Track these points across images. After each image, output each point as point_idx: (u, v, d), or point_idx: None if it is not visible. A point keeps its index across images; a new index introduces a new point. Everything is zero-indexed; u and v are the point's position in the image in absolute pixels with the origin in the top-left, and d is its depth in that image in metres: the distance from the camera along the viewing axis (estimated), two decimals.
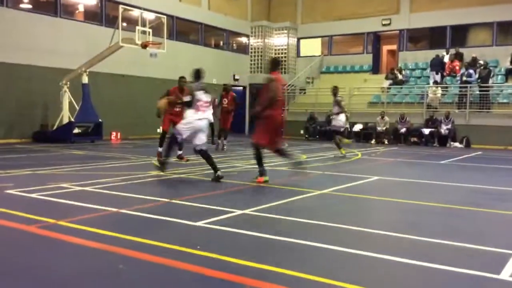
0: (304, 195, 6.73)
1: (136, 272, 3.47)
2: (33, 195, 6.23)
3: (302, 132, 21.52)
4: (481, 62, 19.62)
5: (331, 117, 13.28)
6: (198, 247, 4.00)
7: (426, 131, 18.35)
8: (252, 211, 5.55)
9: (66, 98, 15.45)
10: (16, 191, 6.45)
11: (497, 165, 11.79)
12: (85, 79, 15.40)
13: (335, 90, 12.75)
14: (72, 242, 4.18)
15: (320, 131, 20.90)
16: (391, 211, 6.17)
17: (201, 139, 7.83)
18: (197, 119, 7.80)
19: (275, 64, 8.04)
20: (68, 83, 15.39)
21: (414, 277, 3.52)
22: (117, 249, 3.95)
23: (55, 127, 15.52)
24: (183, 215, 5.24)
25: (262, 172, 7.90)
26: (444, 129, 18.01)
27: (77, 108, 15.48)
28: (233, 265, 3.59)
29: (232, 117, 14.64)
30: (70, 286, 3.20)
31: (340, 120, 12.92)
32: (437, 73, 20.66)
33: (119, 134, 17.28)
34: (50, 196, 6.20)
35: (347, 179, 8.52)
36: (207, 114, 8.05)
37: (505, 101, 18.54)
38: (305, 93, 24.31)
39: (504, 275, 3.48)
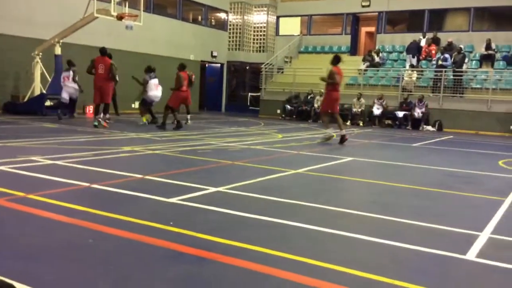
0: (279, 174, 6.75)
1: (107, 247, 3.44)
2: (2, 168, 6.08)
3: (278, 111, 21.51)
4: (458, 46, 19.86)
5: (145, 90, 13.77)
6: (171, 223, 3.98)
7: (400, 114, 18.59)
8: (226, 188, 5.54)
9: (38, 69, 15.02)
10: None
11: (467, 149, 12.06)
12: (58, 50, 14.97)
13: (148, 69, 13.88)
14: (41, 215, 4.11)
15: (297, 111, 20.94)
16: (364, 192, 6.26)
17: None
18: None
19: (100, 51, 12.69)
20: (41, 54, 14.95)
21: (383, 256, 3.59)
22: (87, 224, 3.90)
23: (26, 99, 15.11)
24: (156, 191, 5.20)
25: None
26: (417, 112, 18.26)
27: (49, 80, 15.09)
28: (205, 241, 3.60)
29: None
30: (38, 259, 3.15)
31: (155, 95, 13.77)
32: (413, 57, 20.85)
33: (92, 108, 16.92)
34: (20, 169, 6.06)
35: (322, 159, 8.58)
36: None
37: (478, 86, 18.87)
38: (283, 72, 24.22)
39: (470, 255, 3.58)
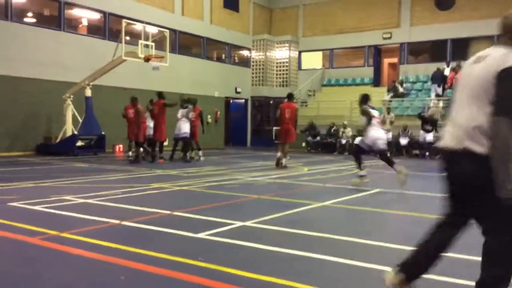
0: (305, 207, 6.76)
1: (138, 283, 3.51)
2: (36, 207, 6.29)
3: (304, 144, 21.55)
4: None
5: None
6: (200, 258, 4.04)
7: (427, 136, 17.83)
8: (253, 223, 5.58)
9: (70, 111, 15.57)
10: (19, 204, 6.51)
11: None
12: (88, 92, 15.54)
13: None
14: (74, 253, 4.23)
15: (322, 143, 20.95)
16: (392, 223, 6.20)
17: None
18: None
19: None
20: (72, 96, 15.52)
21: None
22: (119, 261, 3.99)
23: (58, 140, 15.62)
24: (184, 226, 5.29)
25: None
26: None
27: (80, 121, 15.60)
28: (232, 275, 3.63)
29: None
30: None
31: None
32: (438, 86, 20.73)
33: (122, 147, 17.36)
34: (53, 208, 6.25)
35: (348, 191, 8.54)
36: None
37: None
38: (307, 105, 24.41)
39: None
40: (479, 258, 2.93)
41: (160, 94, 14.12)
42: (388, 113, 19.24)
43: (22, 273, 3.69)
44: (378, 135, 9.02)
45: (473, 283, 2.93)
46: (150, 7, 19.87)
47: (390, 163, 9.12)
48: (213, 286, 3.42)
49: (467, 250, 4.55)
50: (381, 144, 9.07)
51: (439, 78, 20.83)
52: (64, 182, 8.95)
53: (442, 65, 21.56)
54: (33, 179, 9.04)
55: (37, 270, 3.80)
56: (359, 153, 9.23)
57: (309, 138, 21.32)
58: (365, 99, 9.55)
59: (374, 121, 9.01)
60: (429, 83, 21.79)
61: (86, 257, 4.12)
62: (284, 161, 12.53)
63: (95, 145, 16.04)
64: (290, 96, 13.31)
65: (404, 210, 6.88)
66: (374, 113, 9.23)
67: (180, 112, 14.06)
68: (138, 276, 3.66)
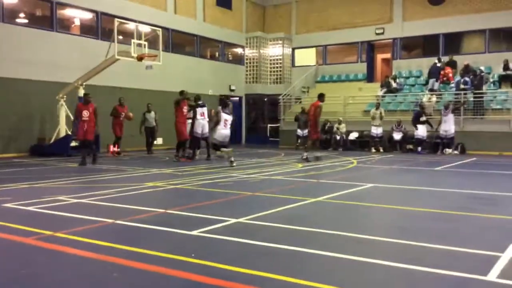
0: (299, 203, 6.81)
1: (130, 280, 3.55)
2: (31, 208, 6.30)
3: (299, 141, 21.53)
4: (480, 68, 19.76)
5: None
6: (192, 255, 4.08)
7: (421, 131, 17.86)
8: (246, 219, 5.62)
9: (63, 111, 15.53)
10: (13, 205, 6.52)
11: (491, 170, 11.90)
12: (81, 92, 15.48)
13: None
14: (68, 252, 4.26)
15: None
16: (383, 217, 6.26)
17: None
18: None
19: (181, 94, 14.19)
20: (65, 96, 15.48)
21: (403, 280, 3.60)
22: (112, 259, 4.02)
23: (52, 141, 15.59)
24: (178, 224, 5.32)
25: None
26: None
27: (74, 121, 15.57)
28: (225, 271, 3.67)
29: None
30: None
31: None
32: (436, 80, 20.74)
33: (116, 146, 17.31)
34: (47, 209, 6.27)
35: (342, 186, 8.60)
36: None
37: (498, 107, 18.69)
38: (300, 102, 24.42)
39: (491, 276, 3.57)
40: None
41: (182, 93, 14.15)
42: (377, 109, 19.28)
43: (17, 273, 3.71)
44: (225, 133, 12.31)
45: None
46: (142, 6, 19.84)
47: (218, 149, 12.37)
48: (205, 281, 3.46)
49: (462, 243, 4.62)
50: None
51: (436, 72, 20.79)
52: (58, 182, 8.96)
53: (435, 60, 21.61)
54: (27, 180, 9.04)
55: (32, 269, 3.82)
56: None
57: (299, 132, 20.66)
58: (223, 103, 12.83)
59: (221, 123, 12.17)
60: (422, 78, 21.88)
61: (80, 256, 4.15)
62: (304, 155, 13.79)
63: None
64: (318, 96, 14.28)
65: (395, 204, 6.94)
66: (225, 117, 12.25)
67: (200, 111, 14.24)
68: (130, 273, 3.70)
